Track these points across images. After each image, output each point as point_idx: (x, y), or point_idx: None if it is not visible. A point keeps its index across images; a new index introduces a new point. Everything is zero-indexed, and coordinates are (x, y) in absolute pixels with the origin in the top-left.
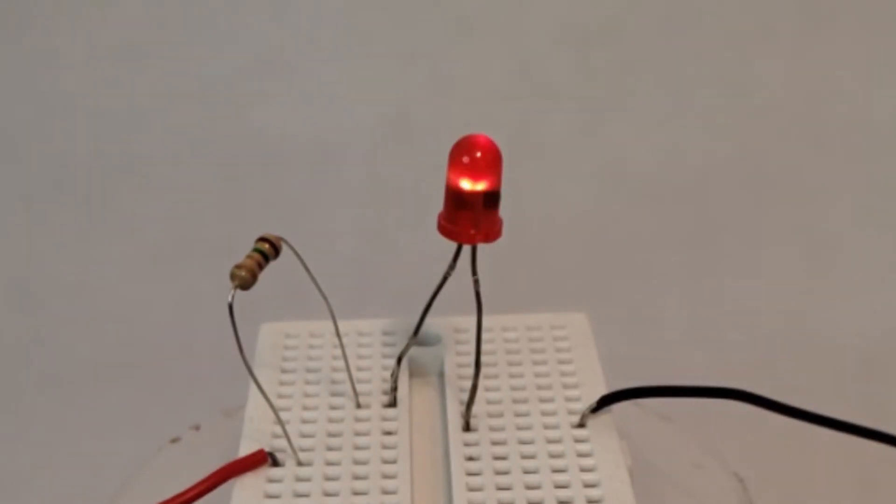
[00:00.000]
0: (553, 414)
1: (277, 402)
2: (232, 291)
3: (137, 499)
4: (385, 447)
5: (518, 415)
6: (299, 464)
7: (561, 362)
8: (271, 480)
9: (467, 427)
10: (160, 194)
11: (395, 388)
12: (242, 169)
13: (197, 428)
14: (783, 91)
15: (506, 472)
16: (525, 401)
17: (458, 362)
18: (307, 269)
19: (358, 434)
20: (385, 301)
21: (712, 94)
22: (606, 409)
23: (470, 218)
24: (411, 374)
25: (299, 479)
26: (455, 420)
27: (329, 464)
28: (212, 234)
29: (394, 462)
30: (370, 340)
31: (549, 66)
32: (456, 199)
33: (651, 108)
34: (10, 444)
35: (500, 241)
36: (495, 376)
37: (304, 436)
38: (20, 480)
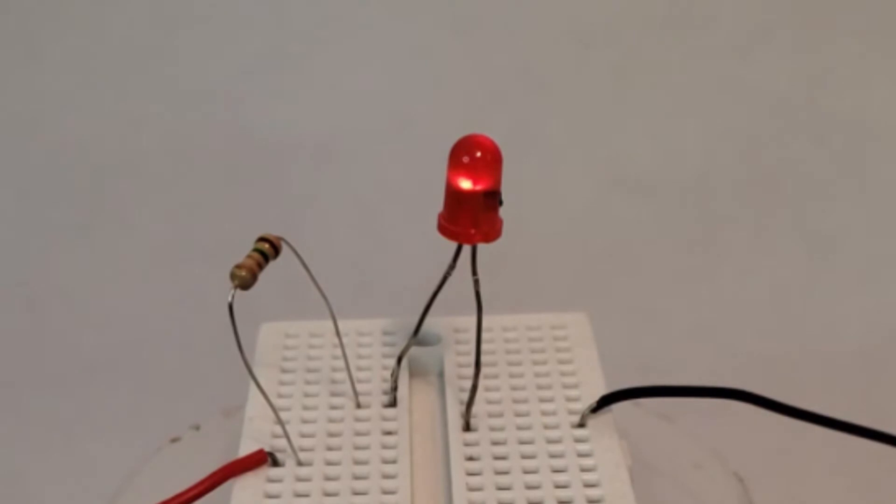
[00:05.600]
0: (553, 414)
1: (277, 402)
2: (232, 291)
3: (137, 499)
4: (385, 447)
5: (518, 415)
6: (299, 464)
7: (561, 362)
8: (271, 480)
9: (467, 427)
10: (160, 194)
11: (395, 388)
12: (242, 169)
13: (197, 428)
14: (783, 91)
15: (506, 472)
16: (525, 401)
17: (458, 362)
18: (307, 269)
19: (358, 434)
20: (385, 301)
21: (712, 94)
22: (606, 409)
23: (470, 218)
24: (411, 374)
25: (299, 479)
26: (455, 420)
27: (329, 464)
28: (212, 234)
29: (394, 462)
30: (370, 340)
31: (549, 66)
32: (456, 198)
33: (651, 108)
34: (10, 444)
35: (500, 241)
36: (495, 376)
37: (304, 436)
38: (20, 480)
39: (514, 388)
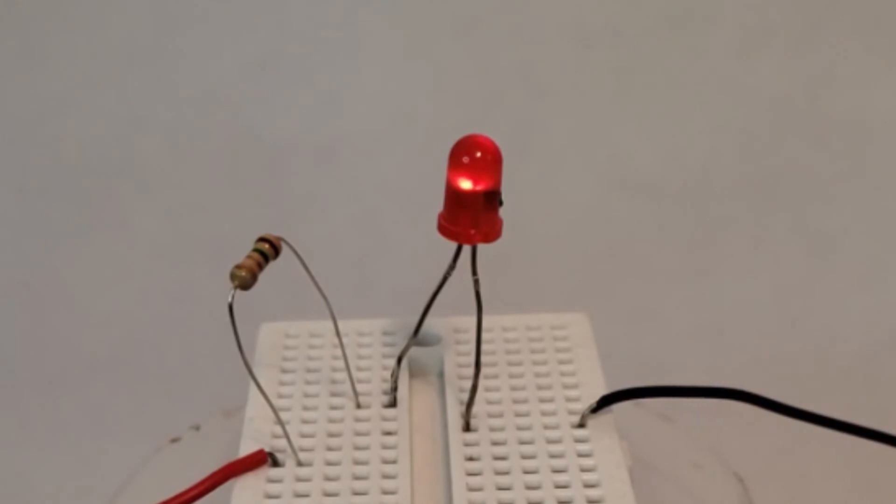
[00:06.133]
0: (553, 414)
1: (277, 402)
2: (232, 291)
3: (137, 499)
4: (385, 447)
5: (518, 415)
6: (299, 464)
7: (561, 362)
8: (271, 480)
9: (467, 427)
10: (160, 194)
11: (395, 388)
12: (242, 169)
13: (197, 428)
14: (783, 91)
15: (506, 472)
16: (525, 401)
17: (458, 362)
18: (307, 269)
19: (358, 434)
20: (385, 301)
21: (712, 94)
22: (606, 409)
23: (470, 218)
24: (411, 374)
25: (299, 479)
26: (455, 420)
27: (329, 464)
28: (212, 234)
29: (394, 462)
30: (370, 340)
31: (550, 66)
32: (456, 199)
33: (651, 108)
34: (10, 444)
35: (500, 241)
36: (495, 376)
37: (304, 436)
38: (20, 480)
39: (514, 388)
